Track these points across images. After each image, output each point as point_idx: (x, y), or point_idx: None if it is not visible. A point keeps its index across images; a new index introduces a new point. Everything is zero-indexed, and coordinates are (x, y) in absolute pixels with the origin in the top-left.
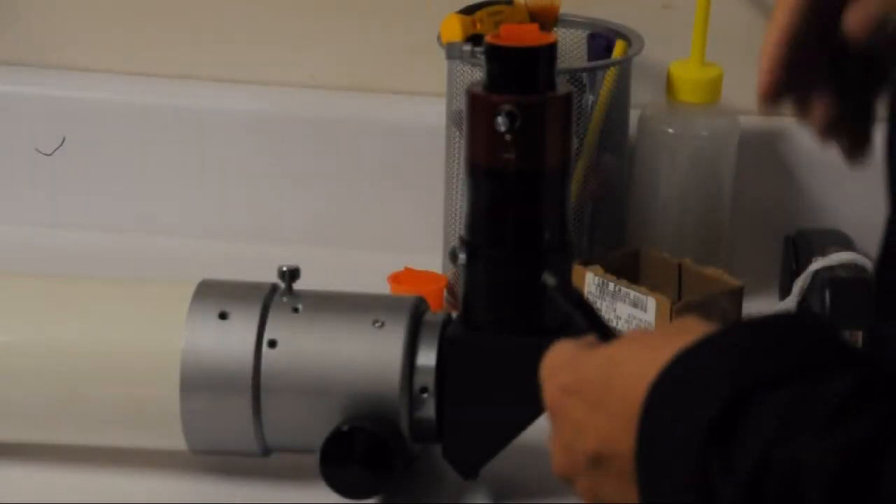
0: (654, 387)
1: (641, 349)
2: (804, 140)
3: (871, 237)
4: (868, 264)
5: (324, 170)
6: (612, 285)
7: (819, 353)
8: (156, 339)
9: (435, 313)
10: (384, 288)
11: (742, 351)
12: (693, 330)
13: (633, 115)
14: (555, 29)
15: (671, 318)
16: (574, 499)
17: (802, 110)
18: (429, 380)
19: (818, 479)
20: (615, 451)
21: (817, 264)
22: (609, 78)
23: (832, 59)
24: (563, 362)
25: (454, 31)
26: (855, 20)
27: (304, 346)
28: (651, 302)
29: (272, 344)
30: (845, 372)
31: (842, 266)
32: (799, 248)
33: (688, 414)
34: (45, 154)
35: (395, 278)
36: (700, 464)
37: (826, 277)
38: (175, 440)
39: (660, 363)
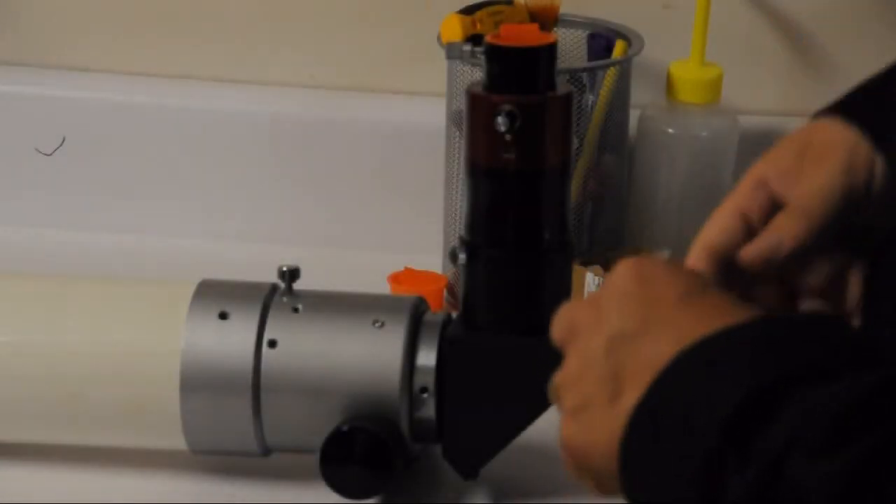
0: (674, 363)
1: (668, 324)
2: None
3: None
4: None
5: (324, 170)
6: None
7: (838, 353)
8: (156, 339)
9: (435, 313)
10: (384, 288)
11: (767, 345)
12: (717, 313)
13: (633, 115)
14: (555, 29)
15: None
16: (575, 498)
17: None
18: (429, 380)
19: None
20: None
21: None
22: (609, 78)
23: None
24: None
25: (454, 31)
26: (747, 254)
27: (304, 346)
28: None
29: (272, 344)
30: (862, 372)
31: None
32: None
33: (707, 400)
34: (45, 154)
35: (395, 278)
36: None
37: None
38: (175, 440)
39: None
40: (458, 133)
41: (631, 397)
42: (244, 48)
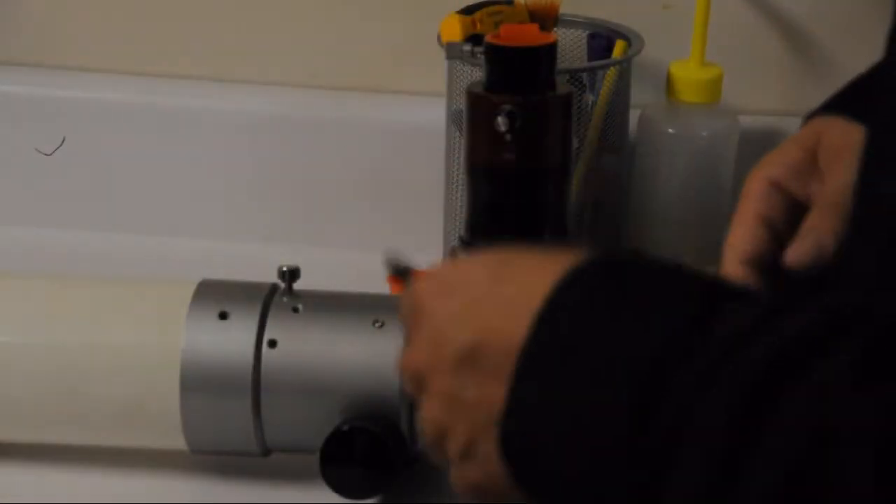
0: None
1: (530, 265)
2: None
3: None
4: None
5: (324, 169)
6: None
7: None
8: (156, 339)
9: None
10: (384, 288)
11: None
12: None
13: (633, 115)
14: (555, 29)
15: None
16: None
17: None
18: None
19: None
20: (497, 344)
21: None
22: (609, 78)
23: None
24: (431, 276)
25: (454, 31)
26: (794, 255)
27: (304, 346)
28: None
29: (272, 344)
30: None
31: None
32: None
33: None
34: (45, 154)
35: (396, 278)
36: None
37: None
38: (175, 440)
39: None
40: (458, 133)
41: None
42: (244, 48)
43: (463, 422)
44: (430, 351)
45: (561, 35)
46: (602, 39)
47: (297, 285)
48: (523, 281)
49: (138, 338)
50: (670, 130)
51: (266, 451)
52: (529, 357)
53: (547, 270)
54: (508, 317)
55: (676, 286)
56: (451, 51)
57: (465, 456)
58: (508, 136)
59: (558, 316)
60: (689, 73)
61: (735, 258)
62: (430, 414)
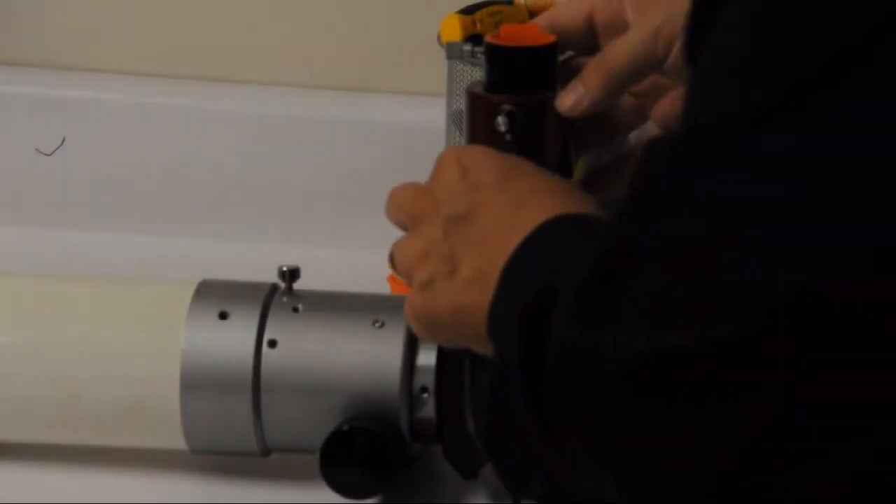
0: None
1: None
2: None
3: None
4: None
5: (324, 170)
6: None
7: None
8: (156, 339)
9: None
10: (384, 288)
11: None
12: (530, 196)
13: None
14: None
15: None
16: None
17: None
18: (429, 380)
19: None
20: (481, 227)
21: None
22: None
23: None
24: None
25: (454, 31)
26: (560, 103)
27: (304, 346)
28: None
29: (272, 344)
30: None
31: None
32: None
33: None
34: (45, 154)
35: (395, 278)
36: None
37: None
38: (175, 440)
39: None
40: (458, 133)
41: (465, 270)
42: (244, 48)
43: (432, 265)
44: (433, 201)
45: None
46: None
47: (297, 285)
48: (482, 219)
49: (138, 338)
50: None
51: (266, 451)
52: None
53: (501, 210)
54: (470, 251)
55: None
56: (451, 51)
57: (422, 288)
58: (508, 136)
59: (525, 250)
60: None
61: (544, 17)
62: (408, 247)
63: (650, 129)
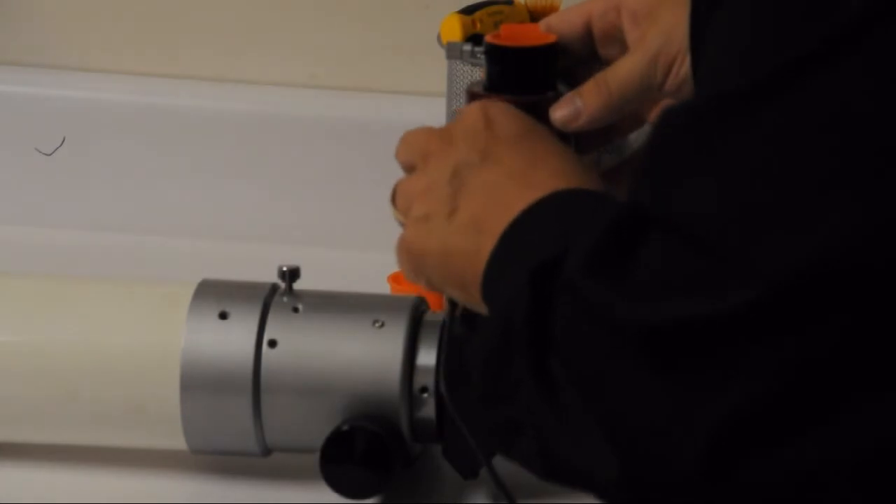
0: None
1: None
2: None
3: None
4: None
5: (324, 170)
6: None
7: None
8: (156, 339)
9: (435, 313)
10: (384, 288)
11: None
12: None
13: None
14: None
15: None
16: (575, 499)
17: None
18: (429, 380)
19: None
20: (487, 179)
21: None
22: None
23: None
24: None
25: (454, 31)
26: (555, 114)
27: (304, 346)
28: None
29: (272, 344)
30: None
31: None
32: None
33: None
34: (45, 154)
35: (395, 278)
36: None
37: None
38: (175, 440)
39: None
40: None
41: (464, 214)
42: (244, 48)
43: (433, 202)
44: (449, 143)
45: None
46: None
47: (297, 285)
48: (491, 169)
49: (138, 338)
50: None
51: (266, 451)
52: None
53: (512, 166)
54: (472, 196)
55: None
56: (451, 51)
57: (417, 223)
58: None
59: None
60: None
61: (544, 21)
62: (412, 183)
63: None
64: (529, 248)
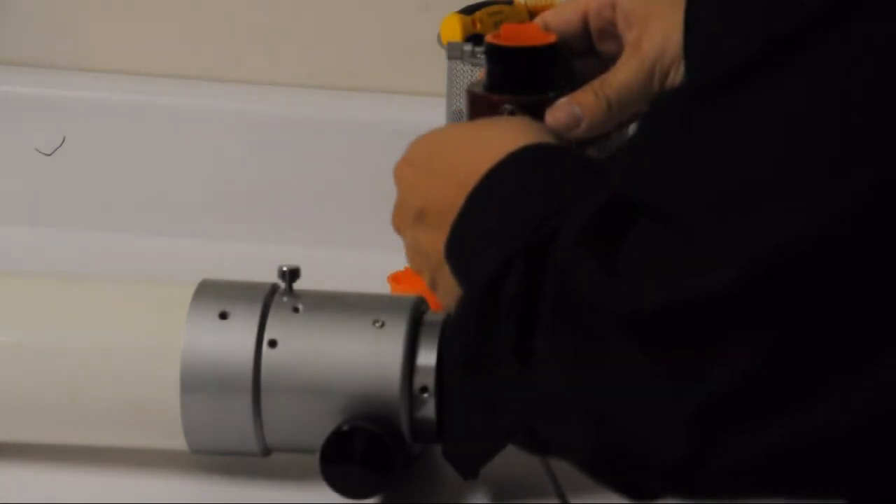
0: (490, 173)
1: (467, 136)
2: None
3: None
4: None
5: (324, 170)
6: None
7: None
8: (156, 339)
9: (435, 313)
10: (384, 288)
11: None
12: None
13: None
14: None
15: None
16: (575, 499)
17: None
18: (429, 380)
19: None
20: (437, 208)
21: None
22: None
23: None
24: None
25: (454, 31)
26: (551, 118)
27: (304, 346)
28: None
29: (272, 344)
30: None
31: None
32: None
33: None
34: (45, 154)
35: (395, 278)
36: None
37: None
38: (175, 440)
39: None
40: None
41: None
42: (244, 48)
43: (425, 264)
44: (399, 213)
45: None
46: None
47: (297, 285)
48: (466, 157)
49: (138, 338)
50: None
51: (266, 451)
52: (462, 218)
53: (490, 149)
54: (447, 186)
55: (560, 185)
56: (452, 51)
57: (434, 287)
58: None
59: (486, 189)
60: None
61: (540, 18)
62: (408, 257)
63: None
64: (512, 212)
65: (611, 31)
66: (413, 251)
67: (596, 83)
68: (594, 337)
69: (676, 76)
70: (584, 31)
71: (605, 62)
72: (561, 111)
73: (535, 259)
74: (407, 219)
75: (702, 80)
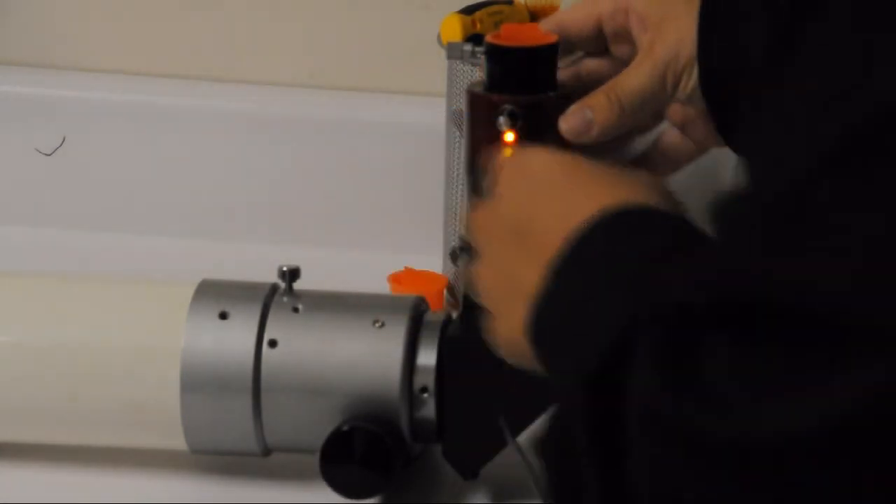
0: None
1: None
2: None
3: None
4: None
5: (324, 170)
6: None
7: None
8: (156, 339)
9: (435, 313)
10: (384, 288)
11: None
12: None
13: None
14: None
15: None
16: None
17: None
18: (429, 380)
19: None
20: (540, 237)
21: None
22: None
23: None
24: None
25: (454, 31)
26: (565, 125)
27: (304, 346)
28: None
29: (272, 344)
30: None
31: None
32: None
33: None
34: (45, 154)
35: (395, 278)
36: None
37: None
38: (175, 440)
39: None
40: (458, 133)
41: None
42: (244, 48)
43: (503, 287)
44: (488, 216)
45: None
46: None
47: (297, 285)
48: (574, 200)
49: (139, 338)
50: None
51: (266, 451)
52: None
53: (599, 196)
54: (559, 219)
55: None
56: (452, 51)
57: (497, 316)
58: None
59: (581, 250)
60: None
61: (552, 19)
62: (480, 274)
63: (666, 130)
64: (570, 334)
65: (625, 35)
66: (493, 270)
67: (608, 87)
68: (702, 470)
69: (689, 80)
70: (599, 35)
71: (619, 65)
72: (574, 116)
73: (597, 395)
74: (500, 231)
75: (785, 174)
